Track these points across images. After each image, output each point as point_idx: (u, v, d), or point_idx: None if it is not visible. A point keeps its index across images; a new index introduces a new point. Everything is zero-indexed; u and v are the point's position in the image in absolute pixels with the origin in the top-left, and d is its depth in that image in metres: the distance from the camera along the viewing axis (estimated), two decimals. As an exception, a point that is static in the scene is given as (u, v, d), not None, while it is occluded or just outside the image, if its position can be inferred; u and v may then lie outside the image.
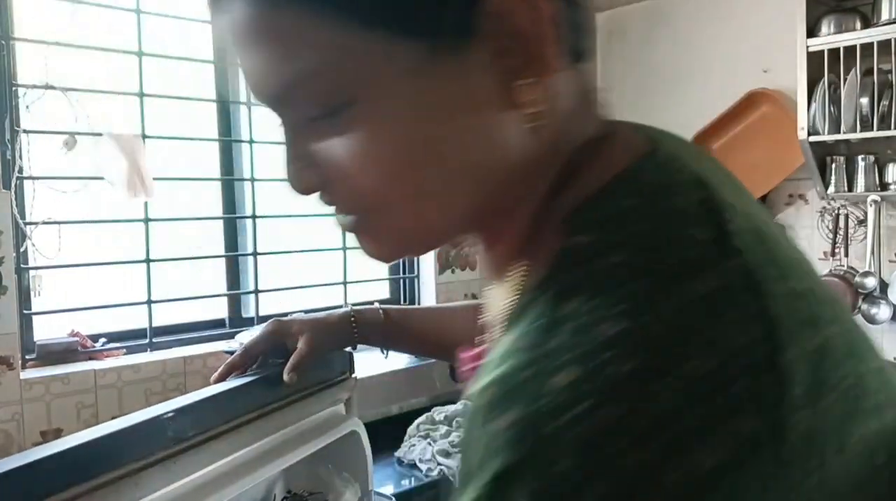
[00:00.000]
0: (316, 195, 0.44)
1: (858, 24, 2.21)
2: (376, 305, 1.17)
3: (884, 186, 2.29)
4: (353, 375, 1.15)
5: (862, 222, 2.39)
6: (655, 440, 0.31)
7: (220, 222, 2.21)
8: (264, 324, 1.13)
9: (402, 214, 0.42)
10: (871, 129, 2.17)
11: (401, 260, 2.65)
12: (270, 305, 2.26)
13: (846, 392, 0.36)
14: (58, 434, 1.78)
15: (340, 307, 2.38)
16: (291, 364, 1.01)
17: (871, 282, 2.31)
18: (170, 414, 0.65)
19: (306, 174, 0.42)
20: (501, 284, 0.45)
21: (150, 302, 1.99)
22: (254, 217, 2.21)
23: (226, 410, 0.74)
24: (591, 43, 0.45)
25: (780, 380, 0.33)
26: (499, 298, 0.45)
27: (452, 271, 2.67)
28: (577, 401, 0.32)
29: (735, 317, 0.34)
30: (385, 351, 1.21)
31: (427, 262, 2.63)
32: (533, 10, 0.38)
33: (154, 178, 1.91)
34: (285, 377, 0.98)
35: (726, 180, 0.43)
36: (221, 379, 1.01)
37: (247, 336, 1.92)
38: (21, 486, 0.52)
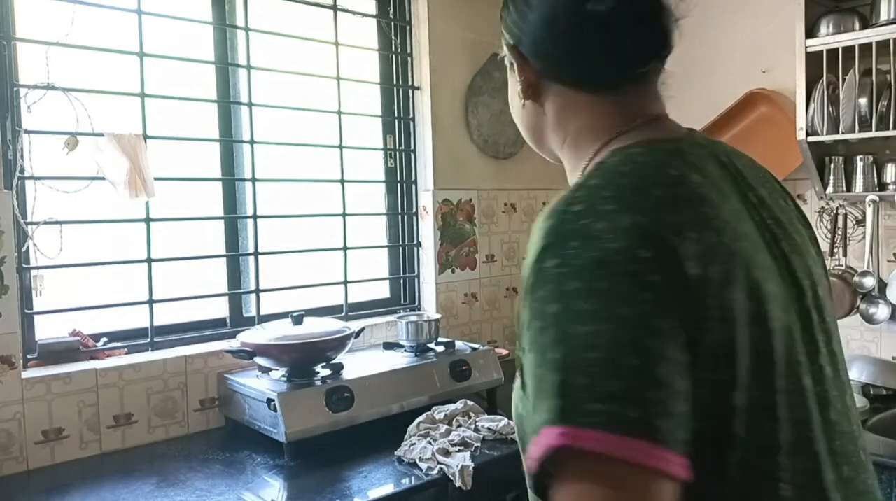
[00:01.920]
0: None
1: (857, 25, 2.22)
2: None
3: (882, 186, 2.30)
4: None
5: (860, 222, 2.40)
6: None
7: (222, 222, 2.22)
8: None
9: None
10: (870, 130, 2.17)
11: (401, 261, 2.66)
12: (271, 305, 2.27)
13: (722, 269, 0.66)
14: (59, 433, 1.78)
15: (340, 307, 2.42)
16: None
17: (869, 282, 2.32)
18: None
19: None
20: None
21: (151, 301, 2.00)
22: (255, 217, 2.21)
23: None
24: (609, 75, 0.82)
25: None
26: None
27: (452, 271, 2.67)
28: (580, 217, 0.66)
29: (610, 226, 0.64)
30: None
31: (427, 262, 2.64)
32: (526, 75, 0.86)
33: (155, 178, 1.91)
34: None
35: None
36: None
37: (248, 335, 1.93)
38: None
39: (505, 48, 0.88)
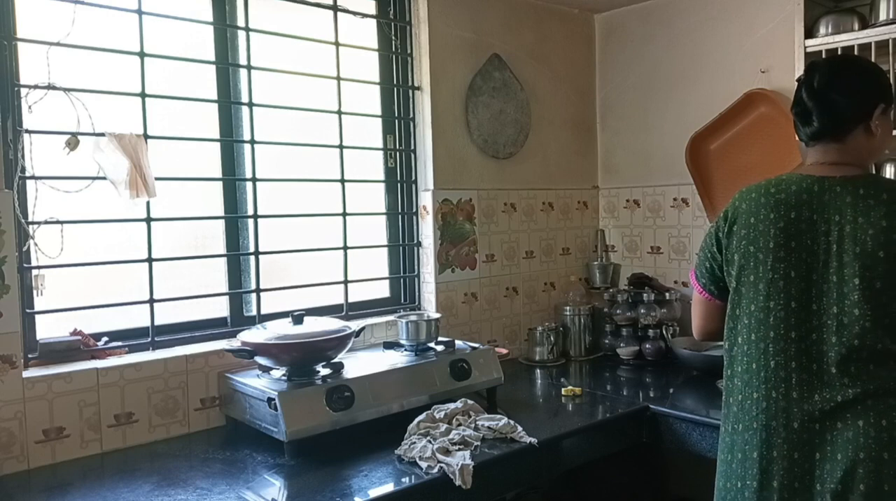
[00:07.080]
0: None
1: (856, 25, 2.22)
2: None
3: (881, 186, 2.30)
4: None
5: (860, 222, 2.39)
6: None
7: (222, 221, 2.22)
8: None
9: None
10: (869, 129, 2.17)
11: (401, 260, 2.66)
12: (272, 304, 2.27)
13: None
14: (60, 432, 1.79)
15: (341, 307, 2.42)
16: None
17: (868, 282, 2.32)
18: None
19: None
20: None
21: (151, 301, 2.00)
22: (255, 216, 2.22)
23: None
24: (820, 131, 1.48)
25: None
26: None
27: (452, 270, 2.68)
28: None
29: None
30: None
31: (427, 262, 2.64)
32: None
33: (156, 178, 1.92)
34: None
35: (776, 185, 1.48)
36: None
37: (249, 335, 1.94)
38: None
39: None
